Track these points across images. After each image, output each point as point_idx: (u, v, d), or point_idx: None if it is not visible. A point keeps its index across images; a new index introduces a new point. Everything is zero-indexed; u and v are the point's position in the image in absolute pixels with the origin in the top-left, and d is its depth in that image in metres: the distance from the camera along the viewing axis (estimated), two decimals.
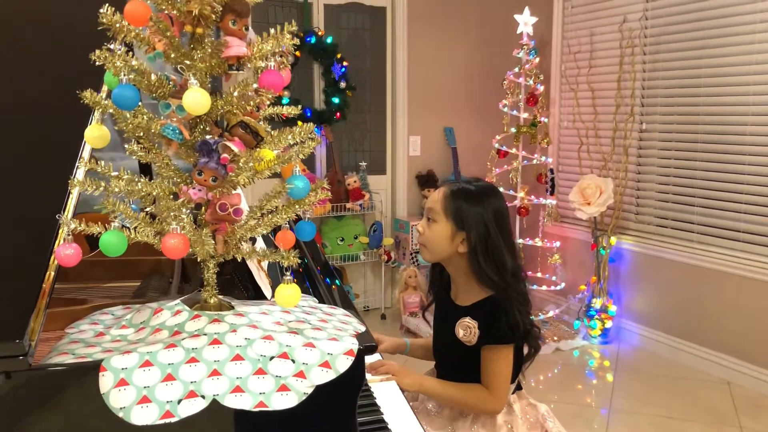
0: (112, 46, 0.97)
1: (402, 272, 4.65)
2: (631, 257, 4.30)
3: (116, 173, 0.99)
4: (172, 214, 0.96)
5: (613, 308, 4.33)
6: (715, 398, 3.57)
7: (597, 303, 4.35)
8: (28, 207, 1.08)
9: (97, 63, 0.94)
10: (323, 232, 4.73)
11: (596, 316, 4.35)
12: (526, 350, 1.79)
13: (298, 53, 4.44)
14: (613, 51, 4.30)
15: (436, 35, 4.90)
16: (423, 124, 4.97)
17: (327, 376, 0.96)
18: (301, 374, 0.96)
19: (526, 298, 1.75)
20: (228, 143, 0.97)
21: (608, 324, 4.34)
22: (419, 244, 1.81)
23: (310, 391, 0.94)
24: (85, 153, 1.17)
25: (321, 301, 1.48)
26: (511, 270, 1.70)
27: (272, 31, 1.01)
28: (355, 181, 4.68)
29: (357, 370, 0.98)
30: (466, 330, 1.70)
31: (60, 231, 1.02)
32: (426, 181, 4.95)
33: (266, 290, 1.28)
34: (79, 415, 0.92)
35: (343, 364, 0.97)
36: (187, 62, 0.93)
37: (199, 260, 1.04)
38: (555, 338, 4.36)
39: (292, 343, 0.99)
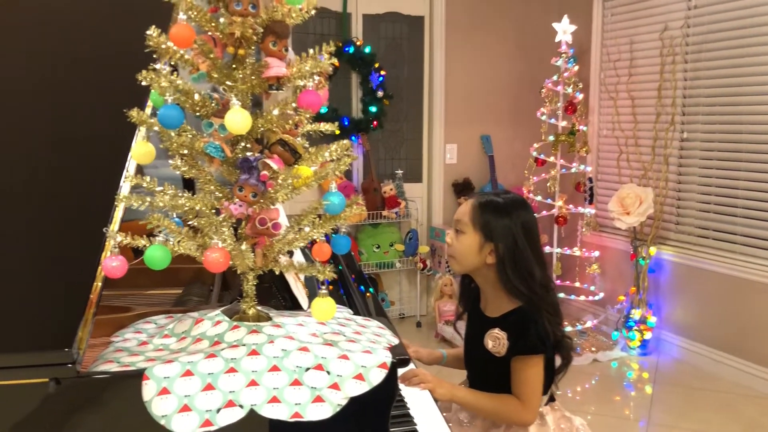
0: (157, 66, 1.02)
1: (437, 280, 4.66)
2: (671, 268, 4.24)
3: (161, 188, 1.03)
4: (213, 228, 1.00)
5: (652, 319, 4.27)
6: (758, 414, 3.49)
7: (636, 314, 4.29)
8: (77, 220, 1.12)
9: (143, 83, 0.98)
10: (359, 240, 4.77)
11: (635, 327, 4.29)
12: (558, 362, 1.78)
13: (336, 63, 4.48)
14: (653, 59, 4.24)
15: (473, 43, 4.91)
16: (460, 132, 4.97)
17: (361, 388, 0.98)
18: (335, 386, 0.98)
19: (556, 309, 1.75)
20: (267, 160, 1.00)
21: (647, 335, 4.28)
22: (448, 256, 1.82)
23: (344, 402, 0.97)
24: (131, 168, 1.21)
25: (355, 309, 1.51)
26: (540, 281, 1.71)
27: (311, 51, 1.04)
28: (391, 189, 4.71)
29: (390, 382, 1.01)
30: (495, 341, 1.71)
31: (106, 243, 1.07)
32: (462, 189, 4.95)
33: (303, 301, 1.31)
34: (123, 420, 0.96)
35: (377, 376, 1.00)
36: (229, 83, 0.97)
37: (238, 272, 1.07)
38: (593, 349, 4.31)
39: (328, 354, 1.01)
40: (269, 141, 1.03)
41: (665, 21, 4.15)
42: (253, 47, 1.02)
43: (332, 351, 1.02)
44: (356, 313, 1.45)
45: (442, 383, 1.71)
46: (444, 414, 1.91)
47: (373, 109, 4.64)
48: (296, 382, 0.98)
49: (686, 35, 4.04)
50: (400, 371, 1.69)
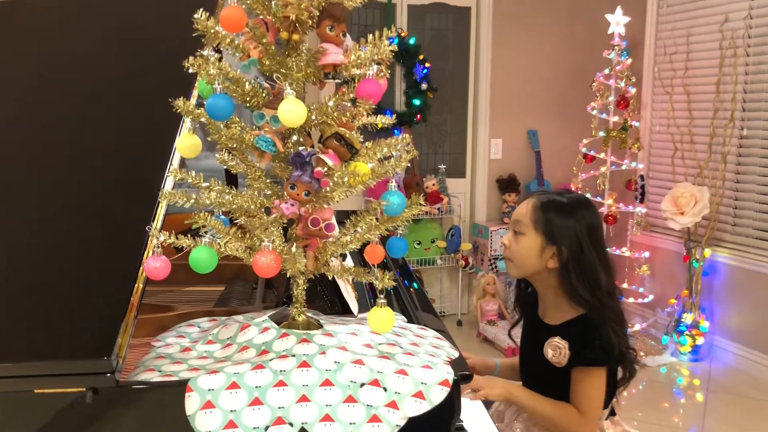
0: (204, 53, 0.94)
1: (480, 279, 4.54)
2: (726, 271, 4.05)
3: (206, 184, 0.96)
4: (263, 229, 0.92)
5: (705, 324, 4.09)
6: None
7: (688, 318, 4.12)
8: (120, 217, 1.06)
9: (190, 70, 0.90)
10: None
11: (686, 332, 4.11)
12: (620, 374, 1.67)
13: (395, 48, 4.38)
14: (712, 52, 4.05)
15: (521, 35, 4.76)
16: (505, 126, 4.84)
17: (421, 408, 0.90)
18: (393, 404, 0.89)
19: (621, 318, 1.63)
20: (322, 156, 0.91)
21: (699, 340, 4.10)
22: (505, 259, 1.71)
23: (402, 423, 0.88)
24: (175, 161, 1.14)
25: (403, 306, 1.42)
26: (606, 288, 1.59)
27: (370, 36, 0.95)
28: (433, 184, 4.60)
29: (452, 401, 0.91)
30: (556, 350, 1.60)
31: (149, 243, 1.00)
32: (507, 185, 4.82)
33: (353, 306, 1.23)
34: None
35: (438, 395, 0.91)
36: (283, 71, 0.88)
37: (288, 276, 0.99)
38: (641, 353, 4.16)
39: (384, 369, 0.93)
40: (324, 134, 0.95)
41: (726, 12, 3.96)
42: (308, 32, 0.93)
43: (389, 365, 0.94)
44: (406, 313, 1.36)
45: (495, 383, 1.60)
46: (497, 424, 1.81)
47: (417, 102, 4.53)
48: (350, 399, 0.89)
49: (749, 27, 3.84)
50: None
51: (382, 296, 0.91)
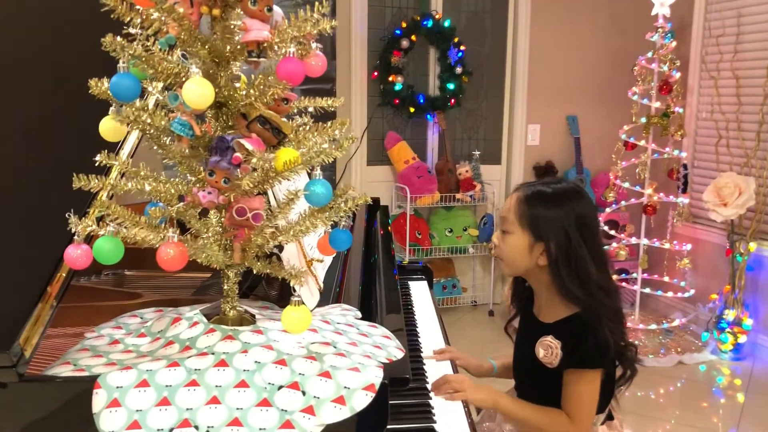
0: (133, 31, 0.88)
1: None
2: None
3: (135, 170, 0.91)
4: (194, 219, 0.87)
5: (748, 321, 3.88)
6: None
7: (730, 314, 3.92)
8: (45, 204, 1.02)
9: (105, 49, 0.85)
10: (431, 222, 4.59)
11: (728, 329, 3.91)
12: (620, 372, 1.56)
13: (413, 37, 4.30)
14: (763, 34, 3.81)
15: (561, 16, 4.58)
16: (543, 111, 4.68)
17: (340, 414, 0.83)
18: (310, 410, 0.83)
19: (618, 315, 1.52)
20: (243, 141, 0.85)
21: (741, 339, 3.90)
22: (496, 258, 1.62)
23: (318, 431, 0.81)
24: (126, 148, 1.10)
25: (370, 306, 1.35)
26: (597, 283, 1.48)
27: (301, 12, 0.87)
28: (467, 171, 4.49)
29: (378, 409, 0.84)
30: (547, 350, 1.50)
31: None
32: (545, 172, 4.68)
33: (308, 299, 1.16)
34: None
35: (361, 401, 0.84)
36: (191, 49, 0.82)
37: (217, 269, 0.94)
38: (679, 350, 3.98)
39: (307, 371, 0.86)
40: (249, 117, 0.88)
41: None
42: (233, 7, 0.86)
43: (313, 367, 0.87)
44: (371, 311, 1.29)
45: (480, 389, 1.52)
46: (487, 423, 1.73)
47: (451, 86, 4.42)
48: (264, 402, 0.83)
49: None
50: (432, 376, 1.54)
51: (296, 293, 0.84)
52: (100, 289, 1.49)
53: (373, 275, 1.71)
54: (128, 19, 0.83)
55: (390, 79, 4.30)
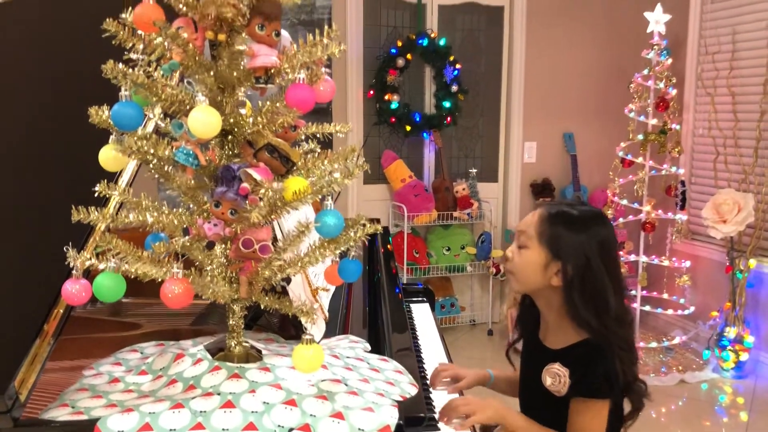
0: (133, 56, 0.85)
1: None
2: None
3: (137, 200, 0.87)
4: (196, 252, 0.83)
5: (749, 339, 3.85)
6: None
7: (731, 332, 3.88)
8: (43, 237, 0.98)
9: (106, 76, 0.81)
10: (429, 241, 4.55)
11: (729, 347, 3.88)
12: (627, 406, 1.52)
13: (409, 56, 4.30)
14: (759, 51, 3.81)
15: (556, 35, 4.59)
16: (540, 129, 4.67)
17: None
18: None
19: (630, 346, 1.48)
20: (250, 170, 0.81)
21: (743, 356, 3.86)
22: (507, 271, 1.57)
23: None
24: (125, 177, 1.06)
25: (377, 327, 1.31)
26: (615, 313, 1.44)
27: (309, 37, 0.84)
28: (464, 189, 4.46)
29: None
30: (555, 378, 1.45)
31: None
32: (541, 190, 4.66)
33: (315, 331, 1.12)
34: None
35: None
36: (197, 76, 0.79)
37: (222, 304, 0.89)
38: (680, 368, 3.94)
39: (318, 412, 0.82)
40: (256, 146, 0.84)
41: None
42: (239, 33, 0.83)
43: (324, 407, 0.83)
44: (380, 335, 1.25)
45: (487, 406, 1.46)
46: None
47: (447, 104, 4.40)
48: None
49: None
50: (438, 404, 1.49)
51: (307, 332, 0.80)
52: (97, 320, 1.44)
53: (378, 295, 1.68)
54: (130, 45, 0.80)
55: (386, 97, 4.29)
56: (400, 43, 4.28)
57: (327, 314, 1.24)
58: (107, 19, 0.78)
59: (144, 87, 0.78)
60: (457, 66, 4.39)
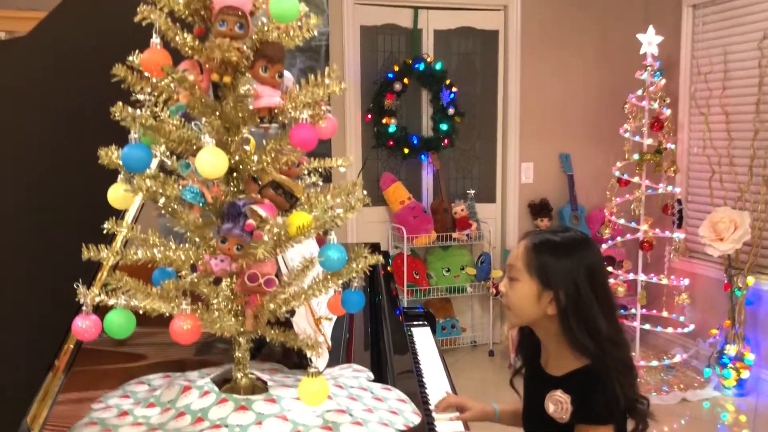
0: (141, 97, 0.88)
1: None
2: None
3: (144, 236, 0.89)
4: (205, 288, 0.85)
5: (750, 356, 3.86)
6: None
7: (731, 350, 3.89)
8: (56, 271, 1.00)
9: (115, 118, 0.84)
10: (428, 262, 4.57)
11: (730, 365, 3.89)
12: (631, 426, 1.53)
13: (406, 80, 4.35)
14: (750, 71, 3.86)
15: (551, 57, 4.65)
16: (536, 149, 4.71)
17: None
18: None
19: (628, 367, 1.49)
20: (256, 207, 0.84)
21: (744, 374, 3.87)
22: (504, 306, 1.59)
23: None
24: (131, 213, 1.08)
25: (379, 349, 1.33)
26: (607, 335, 1.46)
27: (311, 77, 0.87)
28: (462, 210, 4.50)
29: None
30: (557, 405, 1.47)
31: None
32: (539, 210, 4.69)
33: (320, 360, 1.14)
34: None
35: None
36: (204, 119, 0.82)
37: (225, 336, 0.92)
38: (681, 386, 3.95)
39: None
40: (261, 183, 0.87)
41: (764, 29, 3.77)
42: (243, 74, 0.86)
43: None
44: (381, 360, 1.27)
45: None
46: None
47: (444, 126, 4.45)
48: None
49: None
50: (433, 400, 1.51)
51: (313, 364, 0.82)
52: (103, 351, 1.46)
53: (379, 316, 1.70)
54: (138, 87, 0.83)
55: (384, 121, 4.33)
56: (396, 68, 4.34)
57: (330, 343, 1.26)
58: (116, 64, 0.81)
59: (153, 129, 0.81)
60: (454, 89, 4.45)
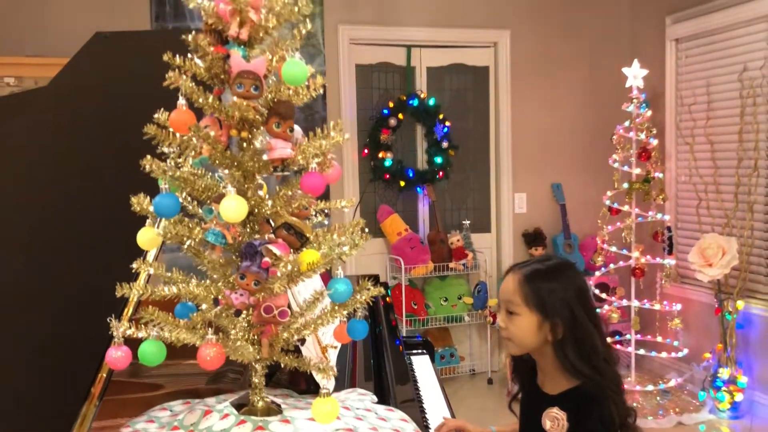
0: (166, 150, 0.99)
1: None
2: (762, 323, 3.91)
3: (169, 274, 1.00)
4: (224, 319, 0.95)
5: (743, 379, 3.93)
6: None
7: (724, 373, 3.97)
8: (91, 303, 1.10)
9: (145, 170, 0.95)
10: (426, 293, 4.67)
11: (724, 388, 3.96)
12: None
13: (401, 116, 4.50)
14: (732, 101, 4.01)
15: (540, 90, 4.81)
16: (529, 180, 4.84)
17: None
18: None
19: (619, 384, 1.59)
20: (270, 246, 0.95)
21: (738, 397, 3.94)
22: (504, 339, 1.67)
23: None
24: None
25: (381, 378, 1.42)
26: (603, 356, 1.56)
27: (318, 130, 0.99)
28: (458, 240, 4.61)
29: None
30: (554, 422, 1.56)
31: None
32: (533, 239, 4.80)
33: (324, 384, 1.23)
34: None
35: None
36: (226, 171, 0.93)
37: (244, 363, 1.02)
38: (677, 410, 4.02)
39: None
40: (275, 224, 0.98)
41: (744, 62, 3.93)
42: (258, 129, 0.98)
43: None
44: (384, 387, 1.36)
45: None
46: None
47: (439, 159, 4.59)
48: None
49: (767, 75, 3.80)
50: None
51: (324, 387, 0.92)
52: (121, 382, 1.55)
53: (380, 347, 1.79)
54: (167, 143, 0.94)
55: (380, 155, 4.47)
56: (391, 104, 4.49)
57: (335, 370, 1.35)
58: (147, 124, 0.93)
59: (180, 180, 0.92)
60: (447, 123, 4.59)
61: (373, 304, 2.29)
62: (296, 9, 0.96)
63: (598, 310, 4.10)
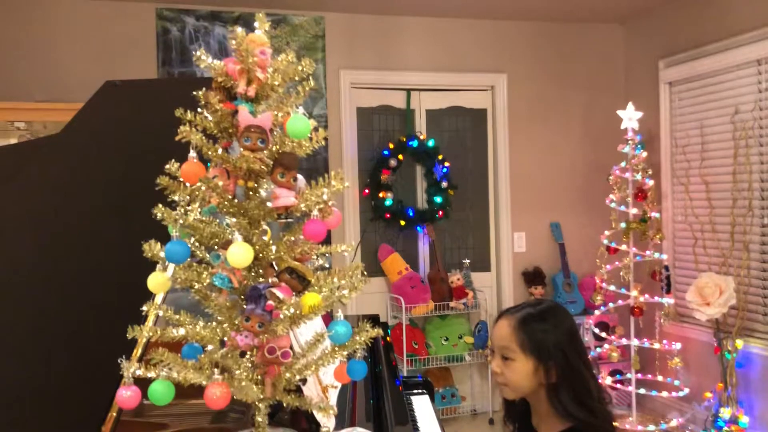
0: (176, 198, 1.05)
1: None
2: (761, 363, 3.93)
3: (178, 316, 1.05)
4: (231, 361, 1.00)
5: (744, 419, 3.93)
6: None
7: (726, 413, 3.97)
8: (98, 344, 1.15)
9: (157, 219, 1.01)
10: (427, 332, 4.69)
11: (725, 428, 3.96)
12: None
13: (401, 156, 4.59)
14: (726, 143, 4.09)
15: (537, 132, 4.91)
16: (528, 220, 4.91)
17: None
18: None
19: (610, 423, 1.62)
20: (274, 290, 1.00)
21: None
22: (499, 384, 1.69)
23: None
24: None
25: (381, 419, 1.45)
26: (596, 395, 1.59)
27: (320, 179, 1.05)
28: (458, 279, 4.65)
29: None
30: None
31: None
32: (533, 278, 4.84)
33: (324, 422, 1.27)
34: None
35: None
36: (233, 219, 0.99)
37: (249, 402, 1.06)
38: None
39: None
40: (278, 268, 1.04)
41: (735, 104, 4.02)
42: (263, 179, 1.04)
43: None
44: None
45: None
46: None
47: (438, 199, 4.66)
48: None
49: (759, 117, 3.89)
50: None
51: (324, 426, 0.97)
52: (127, 422, 1.58)
53: (380, 386, 1.82)
54: (178, 193, 1.00)
55: (380, 195, 4.54)
56: (392, 146, 4.58)
57: (336, 409, 1.39)
58: (160, 176, 0.99)
59: (190, 228, 0.98)
60: (446, 164, 4.68)
61: (373, 344, 2.33)
62: (300, 68, 1.03)
63: (592, 353, 4.17)
